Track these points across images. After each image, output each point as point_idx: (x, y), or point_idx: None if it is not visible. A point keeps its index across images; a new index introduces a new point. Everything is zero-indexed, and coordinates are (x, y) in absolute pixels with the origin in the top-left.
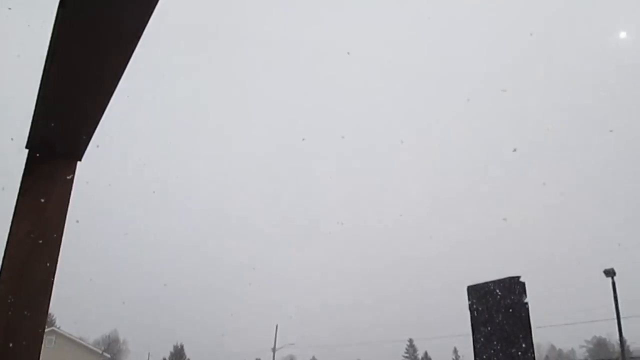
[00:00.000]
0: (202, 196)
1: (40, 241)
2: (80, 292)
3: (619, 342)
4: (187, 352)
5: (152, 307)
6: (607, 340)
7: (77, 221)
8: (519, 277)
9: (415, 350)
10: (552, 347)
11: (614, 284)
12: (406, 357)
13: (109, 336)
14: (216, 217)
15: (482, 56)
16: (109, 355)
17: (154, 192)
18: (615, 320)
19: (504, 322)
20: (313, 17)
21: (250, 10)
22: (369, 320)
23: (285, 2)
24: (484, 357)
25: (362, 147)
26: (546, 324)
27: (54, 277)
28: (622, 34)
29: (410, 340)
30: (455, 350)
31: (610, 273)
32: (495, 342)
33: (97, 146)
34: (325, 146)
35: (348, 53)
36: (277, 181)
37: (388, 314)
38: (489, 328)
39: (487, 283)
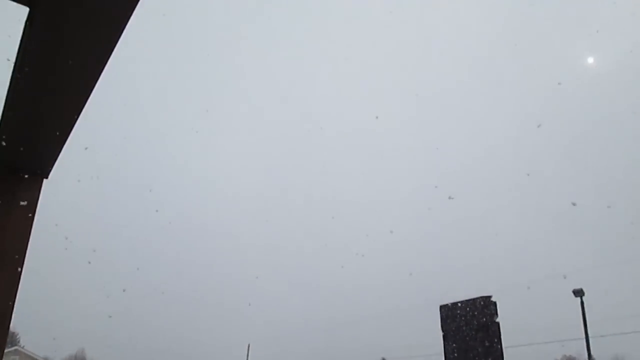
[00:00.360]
0: (178, 208)
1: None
2: (47, 310)
3: None
4: None
5: (123, 324)
6: (577, 359)
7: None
8: (490, 297)
9: None
10: None
11: (582, 303)
12: None
13: (75, 356)
14: (194, 230)
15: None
16: None
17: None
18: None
19: (476, 341)
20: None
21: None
22: (343, 339)
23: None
24: None
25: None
26: (517, 344)
27: (14, 299)
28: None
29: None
30: None
31: (579, 293)
32: None
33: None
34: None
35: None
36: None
37: (363, 332)
38: (461, 347)
39: (459, 302)
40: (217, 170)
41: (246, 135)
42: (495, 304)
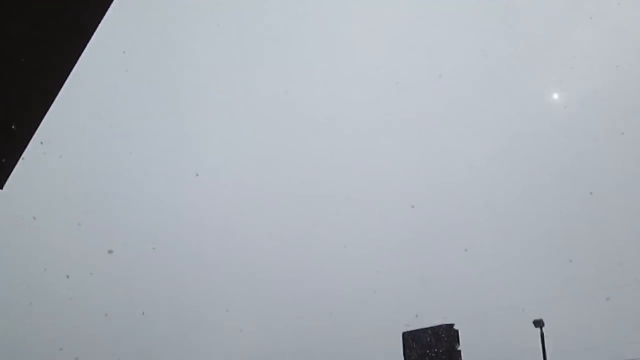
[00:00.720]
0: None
1: None
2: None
3: None
4: None
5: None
6: None
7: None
8: (452, 325)
9: None
10: None
11: (542, 334)
12: None
13: None
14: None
15: None
16: None
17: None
18: None
19: None
20: None
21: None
22: None
23: None
24: None
25: None
26: None
27: None
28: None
29: None
30: None
31: (539, 324)
32: None
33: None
34: None
35: None
36: None
37: None
38: None
39: (421, 330)
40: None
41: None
42: (457, 332)
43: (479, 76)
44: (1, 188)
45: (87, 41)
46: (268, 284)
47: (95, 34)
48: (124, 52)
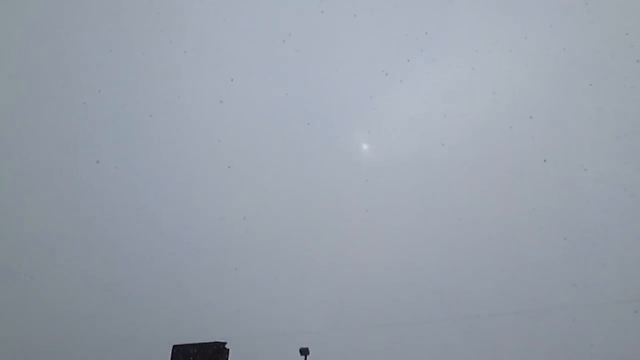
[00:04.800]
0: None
1: None
2: None
3: None
4: None
5: None
6: None
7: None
8: (224, 343)
9: None
10: None
11: None
12: None
13: None
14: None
15: None
16: None
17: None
18: None
19: None
20: None
21: None
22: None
23: None
24: None
25: None
26: None
27: None
28: None
29: None
30: None
31: (304, 352)
32: None
33: None
34: None
35: None
36: None
37: None
38: None
39: (192, 345)
40: None
41: None
42: (227, 350)
43: None
44: None
45: None
46: None
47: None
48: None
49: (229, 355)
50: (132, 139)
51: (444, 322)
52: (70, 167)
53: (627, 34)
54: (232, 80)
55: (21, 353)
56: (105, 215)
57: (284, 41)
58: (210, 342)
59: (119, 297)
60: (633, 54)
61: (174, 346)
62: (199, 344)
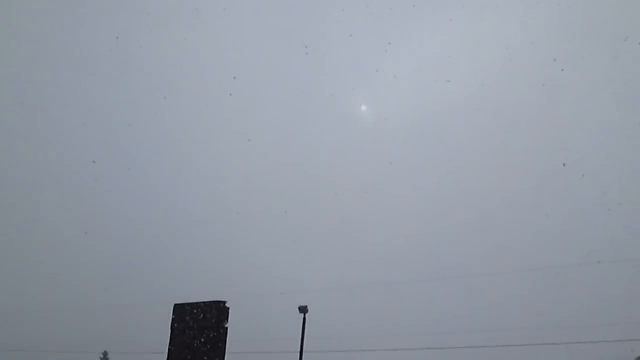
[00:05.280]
0: None
1: None
2: None
3: None
4: None
5: None
6: None
7: None
8: (224, 302)
9: None
10: None
11: (304, 320)
12: None
13: None
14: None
15: None
16: None
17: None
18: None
19: (201, 343)
20: None
21: None
22: (62, 328)
23: None
24: None
25: None
26: (242, 350)
27: None
28: None
29: (105, 353)
30: None
31: (303, 309)
32: None
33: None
34: None
35: None
36: None
37: (82, 323)
38: (186, 348)
39: (193, 303)
40: None
41: None
42: (228, 309)
43: None
44: None
45: None
46: None
47: None
48: None
49: (229, 314)
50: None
51: (436, 281)
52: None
53: None
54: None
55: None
56: (102, 185)
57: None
58: (210, 301)
59: (122, 259)
60: None
61: (175, 305)
62: (199, 302)
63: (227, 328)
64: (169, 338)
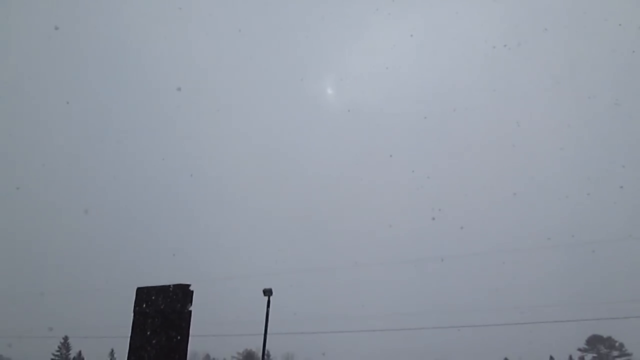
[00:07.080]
0: None
1: None
2: None
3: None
4: None
5: None
6: (256, 353)
7: None
8: (188, 285)
9: (69, 349)
10: (207, 355)
11: (269, 302)
12: (57, 355)
13: None
14: None
15: None
16: None
17: None
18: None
19: (164, 327)
20: None
21: None
22: (22, 313)
23: None
24: None
25: None
26: (207, 334)
27: None
28: None
29: (65, 338)
30: (112, 352)
31: (267, 292)
32: (149, 347)
33: None
34: None
35: None
36: None
37: (45, 308)
38: (148, 332)
39: (155, 287)
40: None
41: None
42: (191, 293)
43: None
44: None
45: None
46: None
47: None
48: None
49: (193, 297)
50: None
51: (408, 264)
52: None
53: None
54: None
55: None
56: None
57: None
58: (174, 285)
59: (89, 243)
60: None
61: (138, 288)
62: (162, 286)
63: (191, 311)
64: (131, 322)
